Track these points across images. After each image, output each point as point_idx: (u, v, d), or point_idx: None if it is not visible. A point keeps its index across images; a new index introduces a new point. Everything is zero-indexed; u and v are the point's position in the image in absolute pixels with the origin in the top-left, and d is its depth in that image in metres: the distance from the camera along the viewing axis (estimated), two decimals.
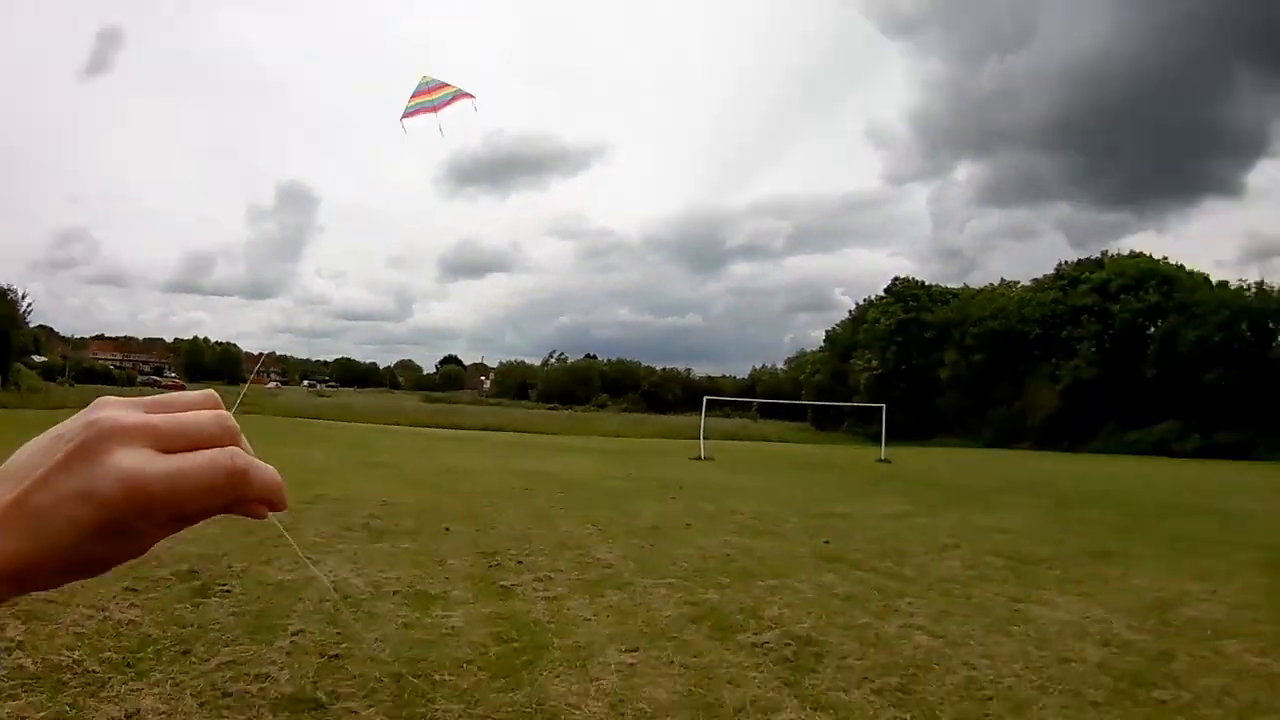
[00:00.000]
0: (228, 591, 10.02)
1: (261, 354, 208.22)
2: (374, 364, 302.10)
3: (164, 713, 6.47)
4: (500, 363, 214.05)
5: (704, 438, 51.72)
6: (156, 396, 0.88)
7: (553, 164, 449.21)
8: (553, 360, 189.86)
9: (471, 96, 24.03)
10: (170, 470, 0.79)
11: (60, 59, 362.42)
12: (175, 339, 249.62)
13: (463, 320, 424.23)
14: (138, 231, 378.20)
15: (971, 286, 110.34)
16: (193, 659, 7.70)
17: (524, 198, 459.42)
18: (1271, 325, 72.21)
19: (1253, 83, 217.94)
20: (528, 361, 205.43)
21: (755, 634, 9.56)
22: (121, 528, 0.78)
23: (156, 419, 0.83)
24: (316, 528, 14.80)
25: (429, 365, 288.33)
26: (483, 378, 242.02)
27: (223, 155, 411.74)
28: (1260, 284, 76.94)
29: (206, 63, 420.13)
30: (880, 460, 48.90)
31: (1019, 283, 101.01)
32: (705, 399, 60.69)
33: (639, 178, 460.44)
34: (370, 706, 6.85)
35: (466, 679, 7.57)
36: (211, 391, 0.93)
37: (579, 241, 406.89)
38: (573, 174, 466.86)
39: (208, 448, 0.82)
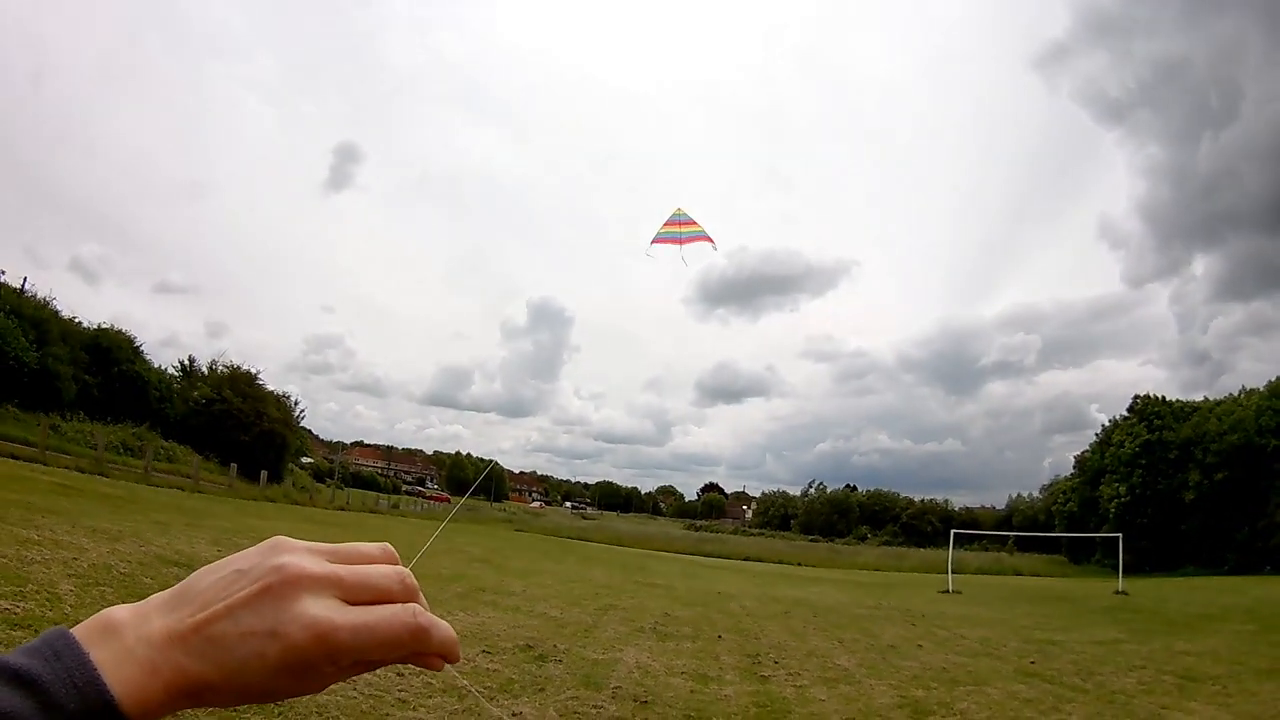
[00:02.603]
0: (560, 661, 13.78)
1: (489, 464, 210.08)
2: (635, 488, 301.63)
3: (536, 716, 10.08)
4: (762, 493, 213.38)
5: (954, 571, 52.49)
6: (335, 546, 0.99)
7: (800, 283, 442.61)
8: (812, 490, 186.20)
9: (712, 241, 26.97)
10: (357, 623, 0.90)
11: (300, 176, 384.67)
12: (435, 451, 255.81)
13: (722, 445, 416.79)
14: (391, 343, 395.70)
15: (1220, 393, 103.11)
16: (546, 693, 11.35)
17: (774, 319, 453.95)
18: None
19: None
20: (788, 490, 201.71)
21: (942, 718, 12.57)
22: (306, 668, 0.89)
23: (342, 571, 0.94)
24: (614, 629, 18.46)
25: (690, 492, 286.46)
26: (744, 506, 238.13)
27: (472, 271, 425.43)
28: None
29: (446, 177, 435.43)
30: (1117, 592, 48.51)
31: (1257, 390, 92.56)
32: (953, 533, 61.70)
33: (886, 295, 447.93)
34: None
35: None
36: (389, 545, 1.04)
37: (833, 364, 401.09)
38: (821, 293, 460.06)
39: (388, 602, 0.95)
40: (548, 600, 22.13)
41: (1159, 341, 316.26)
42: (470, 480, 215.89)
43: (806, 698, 13.31)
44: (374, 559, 0.99)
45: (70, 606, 10.89)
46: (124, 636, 0.85)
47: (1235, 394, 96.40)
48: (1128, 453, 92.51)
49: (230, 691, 0.87)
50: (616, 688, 12.38)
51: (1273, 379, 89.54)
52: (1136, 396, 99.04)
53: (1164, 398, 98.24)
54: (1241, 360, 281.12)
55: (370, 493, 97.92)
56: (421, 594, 0.99)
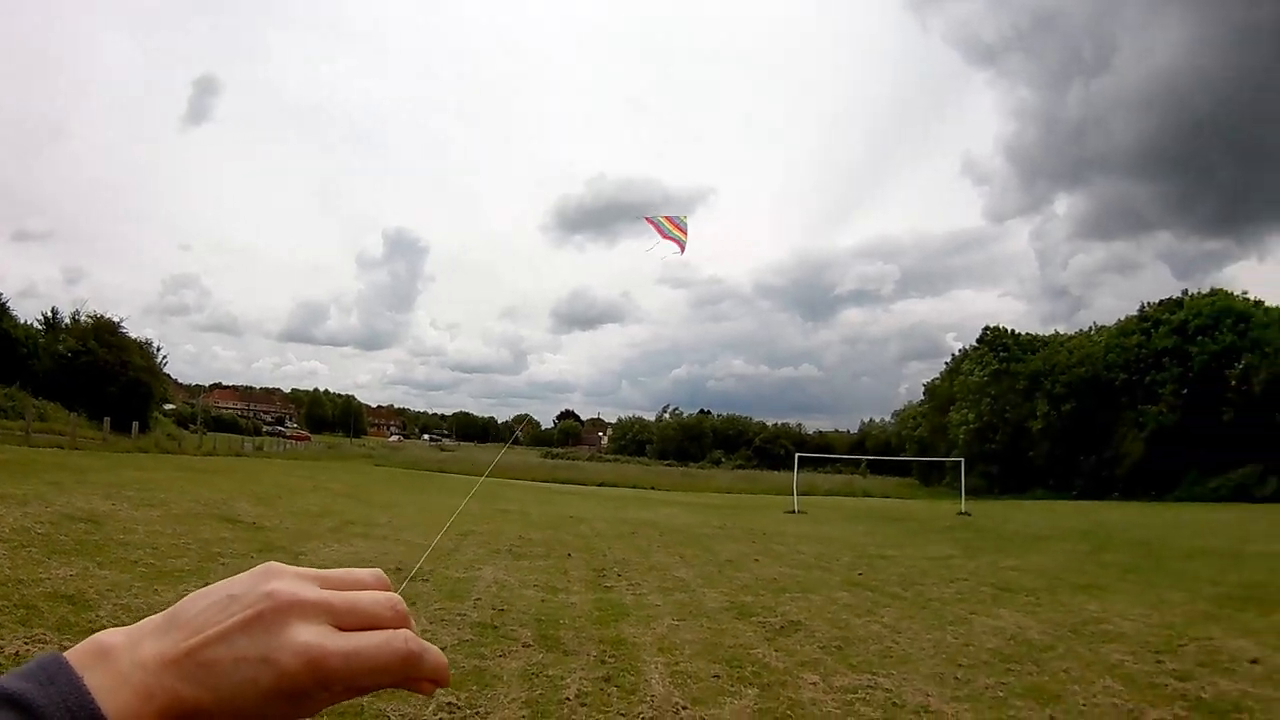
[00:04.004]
0: (427, 580, 15.16)
1: (599, 431, 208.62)
2: (491, 418, 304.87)
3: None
4: (617, 419, 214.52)
5: (802, 493, 54.43)
6: (327, 572, 0.97)
7: (658, 209, 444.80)
8: (666, 415, 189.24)
9: (682, 251, 28.11)
10: (348, 649, 0.88)
11: (158, 108, 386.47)
12: (293, 389, 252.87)
13: (578, 373, 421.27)
14: (247, 280, 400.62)
15: (1078, 328, 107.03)
16: (417, 606, 12.65)
17: (631, 246, 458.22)
18: None
19: None
20: (643, 417, 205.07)
21: (763, 618, 14.11)
22: (298, 694, 0.87)
23: (333, 597, 0.92)
24: (473, 552, 19.90)
25: (546, 420, 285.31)
26: (600, 433, 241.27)
27: (328, 203, 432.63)
28: None
29: (303, 109, 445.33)
30: (960, 513, 49.89)
31: (1106, 326, 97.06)
32: (798, 456, 63.40)
33: (744, 223, 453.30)
34: (524, 627, 12.03)
35: (577, 625, 12.61)
36: (380, 572, 1.02)
37: (690, 290, 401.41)
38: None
39: (379, 628, 0.92)
40: (411, 529, 23.45)
41: (1019, 276, 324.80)
42: (329, 418, 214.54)
43: (644, 603, 14.96)
44: (365, 584, 1.00)
45: (10, 568, 11.92)
46: (117, 661, 0.86)
47: (1087, 329, 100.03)
48: (977, 381, 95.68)
49: (223, 717, 0.87)
50: (477, 599, 13.88)
51: (1123, 317, 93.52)
52: (986, 328, 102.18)
53: (1013, 330, 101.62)
54: (1101, 297, 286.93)
55: (234, 436, 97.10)
56: (413, 619, 0.98)
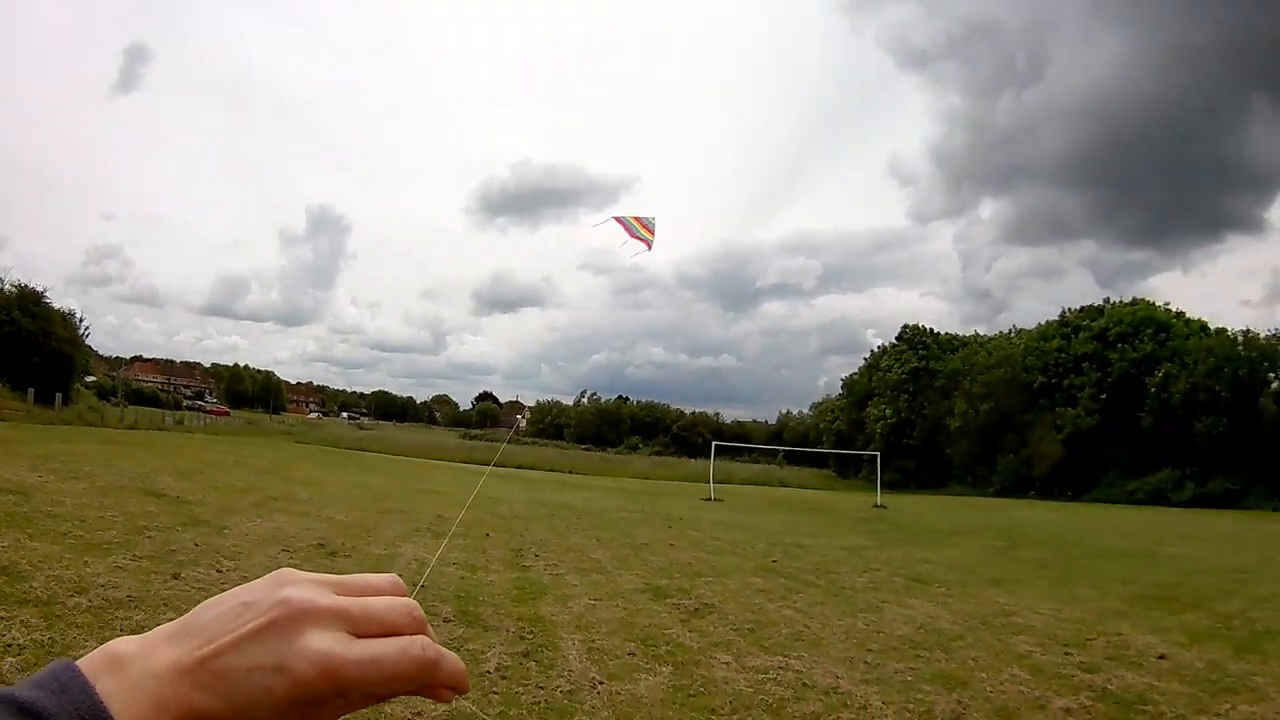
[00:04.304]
0: (348, 556, 15.63)
1: (518, 414, 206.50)
2: (410, 398, 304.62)
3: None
4: (536, 402, 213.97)
5: (719, 481, 55.33)
6: (342, 578, 0.94)
7: (581, 196, 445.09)
8: (584, 400, 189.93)
9: (649, 248, 28.48)
10: (364, 657, 0.85)
11: (89, 76, 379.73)
12: (214, 363, 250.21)
13: (498, 355, 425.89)
14: (170, 252, 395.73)
15: (999, 330, 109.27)
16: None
17: (554, 231, 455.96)
18: (1259, 374, 71.61)
19: (1269, 112, 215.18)
20: (562, 400, 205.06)
21: (678, 600, 14.48)
22: (313, 703, 0.84)
23: (349, 605, 0.89)
24: (394, 529, 20.17)
25: (465, 401, 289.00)
26: (519, 415, 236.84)
27: (253, 176, 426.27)
28: (1246, 332, 76.26)
29: (232, 82, 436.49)
30: (876, 506, 50.76)
31: (1026, 330, 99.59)
32: (715, 444, 64.23)
33: (668, 212, 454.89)
34: (444, 603, 12.27)
35: (497, 603, 12.86)
36: (397, 578, 0.98)
37: (611, 277, 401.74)
38: (601, 207, 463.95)
39: (395, 634, 0.89)
40: (333, 506, 23.54)
41: (941, 276, 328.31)
42: (249, 393, 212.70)
43: (561, 582, 15.31)
44: (381, 590, 0.96)
45: None
46: (130, 670, 0.84)
47: (1006, 331, 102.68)
48: (895, 378, 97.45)
49: None
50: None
51: (1043, 321, 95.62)
52: (906, 326, 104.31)
53: (933, 329, 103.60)
54: (1023, 301, 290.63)
55: (155, 410, 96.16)
56: (430, 626, 0.94)
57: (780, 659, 10.98)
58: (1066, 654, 12.27)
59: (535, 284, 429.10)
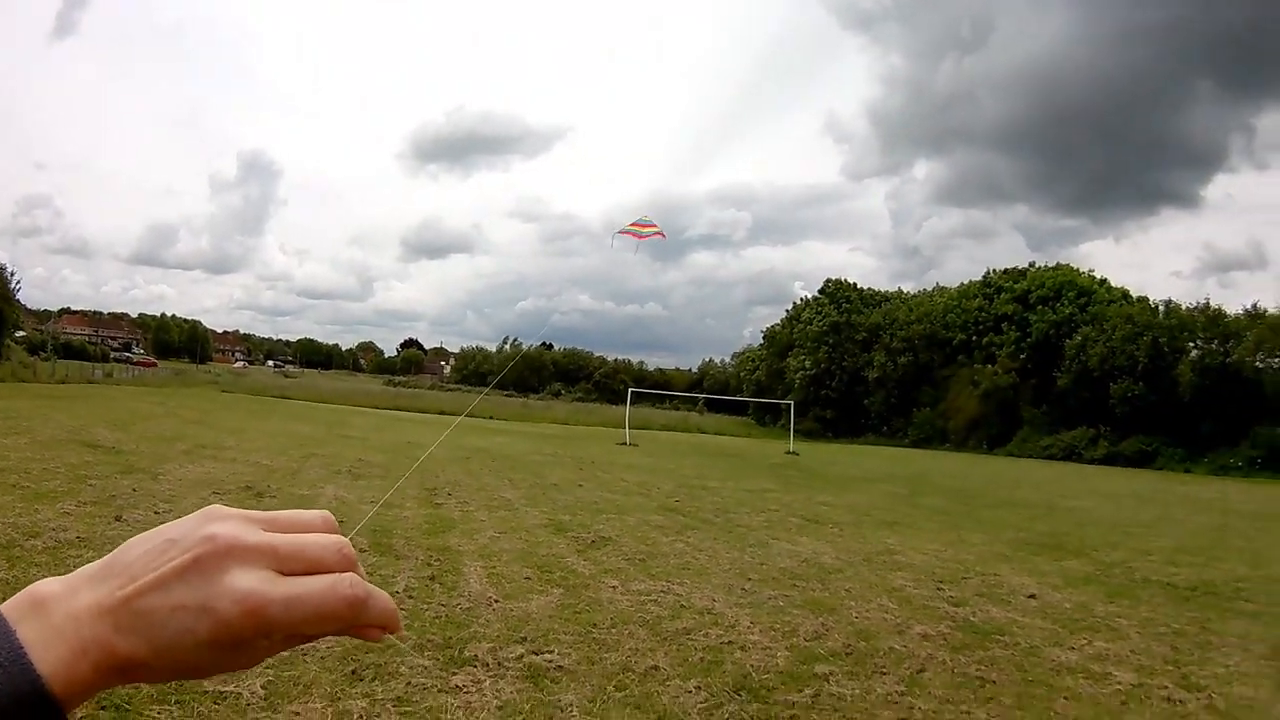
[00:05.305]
0: (274, 497, 16.71)
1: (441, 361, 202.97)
2: (336, 345, 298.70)
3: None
4: (461, 348, 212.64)
5: (638, 427, 56.76)
6: (273, 514, 0.93)
7: (514, 144, 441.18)
8: (507, 347, 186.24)
9: (664, 237, 29.77)
10: (290, 595, 0.84)
11: (26, 19, 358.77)
12: (140, 314, 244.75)
13: (424, 302, 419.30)
14: (99, 200, 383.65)
15: (929, 286, 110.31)
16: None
17: (485, 178, 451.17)
18: (1178, 342, 70.78)
19: (1212, 96, 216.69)
20: (486, 347, 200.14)
21: (577, 535, 15.65)
22: (237, 643, 0.84)
23: (276, 541, 0.88)
24: (316, 472, 21.36)
25: (390, 348, 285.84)
26: (443, 363, 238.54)
27: (184, 123, 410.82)
28: (1168, 302, 76.22)
29: (164, 27, 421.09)
30: (788, 453, 51.89)
31: (948, 288, 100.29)
32: (630, 391, 65.36)
33: (600, 162, 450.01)
34: (361, 536, 13.13)
35: (408, 535, 14.05)
36: (328, 514, 0.98)
37: (540, 225, 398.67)
38: (534, 155, 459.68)
39: (324, 572, 0.88)
40: (259, 452, 24.61)
41: (872, 233, 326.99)
42: (175, 344, 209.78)
43: (470, 518, 16.48)
44: (312, 527, 0.95)
45: None
46: (51, 613, 0.83)
47: (929, 289, 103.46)
48: (815, 330, 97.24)
49: (162, 668, 0.85)
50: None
51: (966, 281, 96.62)
52: (828, 280, 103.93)
53: (856, 284, 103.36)
54: (953, 260, 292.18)
55: (85, 363, 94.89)
56: (360, 564, 0.92)
57: (664, 584, 12.08)
58: (938, 589, 13.26)
59: (464, 231, 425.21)
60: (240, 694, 6.67)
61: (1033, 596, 13.23)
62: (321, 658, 7.61)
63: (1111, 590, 14.25)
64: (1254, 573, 16.76)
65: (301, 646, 5.98)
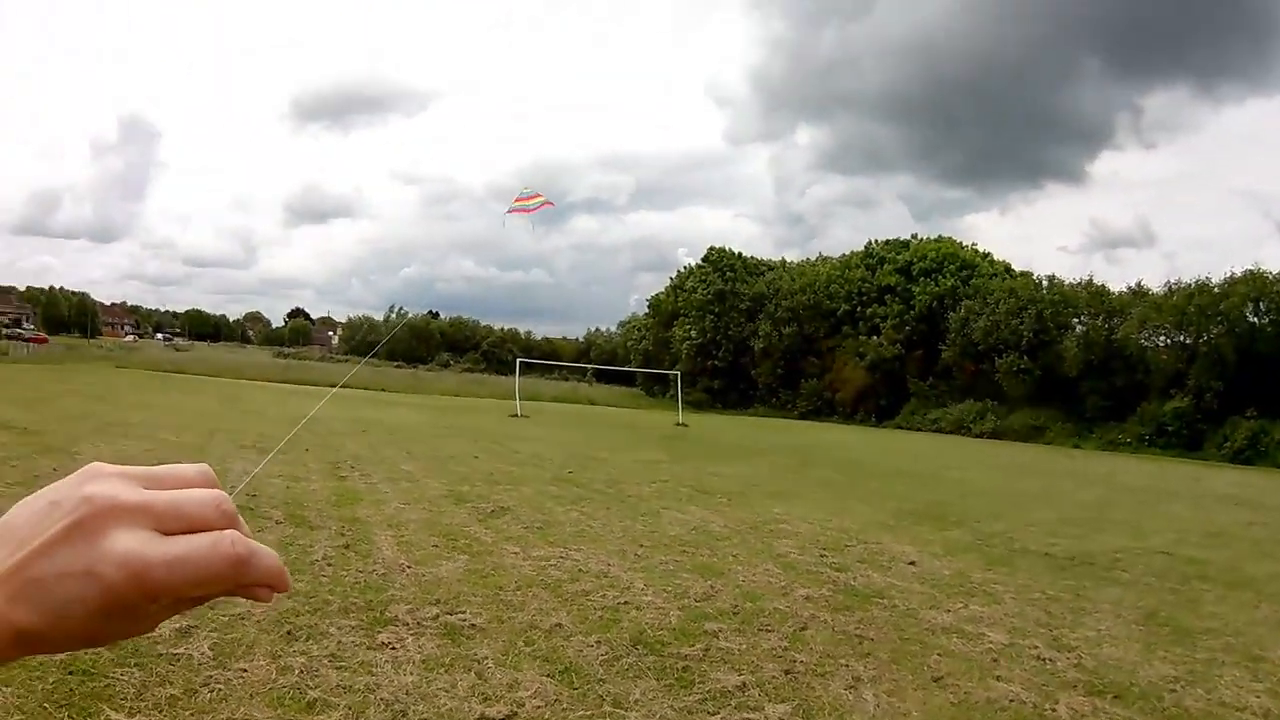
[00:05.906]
0: None
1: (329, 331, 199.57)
2: (224, 315, 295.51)
3: None
4: (348, 317, 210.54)
5: (529, 398, 58.25)
6: (152, 470, 0.89)
7: (396, 102, 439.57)
8: (394, 315, 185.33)
9: (553, 205, 30.50)
10: (170, 556, 0.80)
11: None
12: (28, 287, 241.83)
13: (309, 269, 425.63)
14: None
15: (811, 254, 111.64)
16: None
17: (365, 137, 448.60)
18: (1062, 317, 72.44)
19: (1099, 74, 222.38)
20: (373, 316, 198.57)
21: (477, 505, 16.44)
22: (127, 610, 0.80)
23: (154, 499, 0.84)
24: (222, 448, 21.97)
25: (277, 318, 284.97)
26: (331, 332, 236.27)
27: (62, 84, 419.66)
28: (1051, 277, 77.75)
29: None
30: (677, 424, 52.93)
31: (830, 258, 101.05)
32: (519, 362, 66.60)
33: (479, 124, 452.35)
34: (275, 508, 14.21)
35: (319, 507, 14.82)
36: (206, 468, 0.94)
37: (421, 188, 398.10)
38: (413, 115, 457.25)
39: (205, 530, 0.84)
40: (165, 429, 25.14)
41: (755, 199, 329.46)
42: (65, 318, 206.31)
43: (374, 489, 17.29)
44: (190, 482, 0.91)
45: None
46: None
47: (812, 259, 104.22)
48: (700, 299, 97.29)
49: (57, 639, 0.81)
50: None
51: (848, 251, 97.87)
52: (711, 248, 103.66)
53: (739, 253, 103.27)
54: (837, 228, 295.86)
55: None
56: (242, 520, 0.91)
57: (562, 550, 13.02)
58: (822, 556, 14.15)
59: (346, 194, 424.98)
60: (191, 655, 7.40)
61: (913, 563, 14.06)
62: (258, 621, 8.36)
63: (991, 559, 15.07)
64: (1134, 544, 17.63)
65: (238, 610, 8.19)
